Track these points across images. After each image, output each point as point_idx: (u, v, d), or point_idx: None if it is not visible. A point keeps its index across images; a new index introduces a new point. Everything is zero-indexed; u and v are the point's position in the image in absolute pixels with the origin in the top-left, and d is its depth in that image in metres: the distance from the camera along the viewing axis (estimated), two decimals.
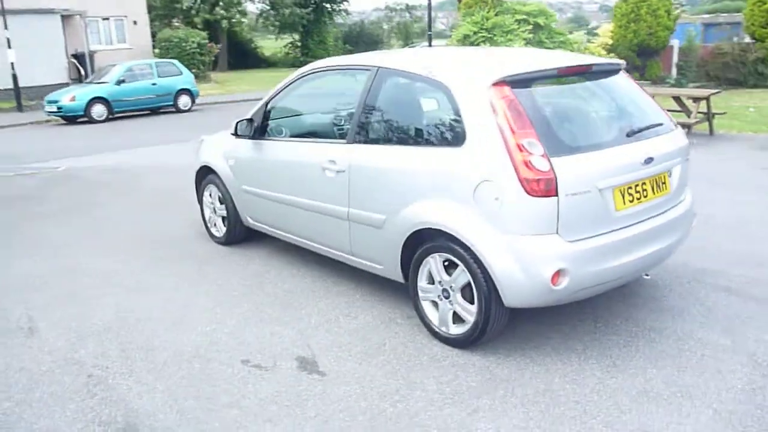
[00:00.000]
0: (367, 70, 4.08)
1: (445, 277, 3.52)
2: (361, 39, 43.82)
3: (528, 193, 3.12)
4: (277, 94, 4.78)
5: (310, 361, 3.51)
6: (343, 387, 3.23)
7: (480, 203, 3.27)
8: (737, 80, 17.52)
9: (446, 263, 3.52)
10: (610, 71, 3.86)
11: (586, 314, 3.88)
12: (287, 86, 4.71)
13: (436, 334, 3.67)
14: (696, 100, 9.86)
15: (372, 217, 3.87)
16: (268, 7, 36.71)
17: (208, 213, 5.70)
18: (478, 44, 14.33)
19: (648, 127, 3.64)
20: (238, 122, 4.83)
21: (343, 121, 4.49)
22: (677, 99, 10.09)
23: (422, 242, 3.63)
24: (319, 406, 3.08)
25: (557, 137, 3.28)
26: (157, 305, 4.34)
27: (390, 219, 3.75)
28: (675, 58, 17.49)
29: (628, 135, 3.53)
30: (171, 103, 17.62)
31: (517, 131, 3.20)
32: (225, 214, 5.41)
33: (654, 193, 3.55)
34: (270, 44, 41.82)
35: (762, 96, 15.28)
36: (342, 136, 4.17)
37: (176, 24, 30.09)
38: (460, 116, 3.40)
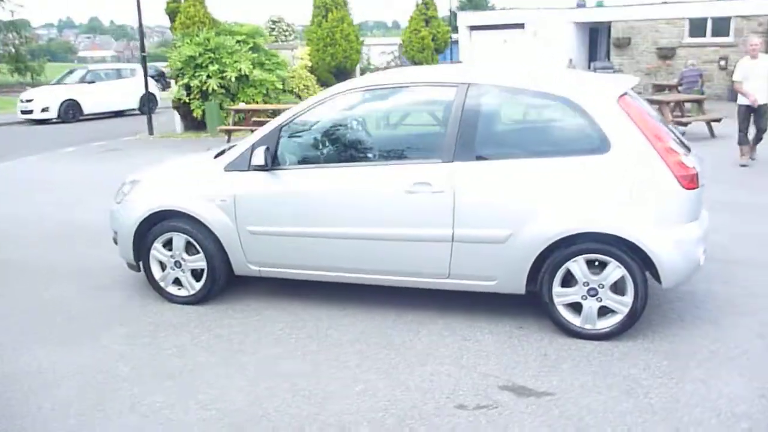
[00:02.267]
0: (451, 86, 3.98)
1: (593, 276, 3.76)
2: None
3: (684, 188, 3.62)
4: (297, 117, 4.21)
5: (516, 387, 3.35)
6: (592, 396, 3.23)
7: (637, 202, 3.63)
8: None
9: (596, 263, 3.76)
10: None
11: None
12: (310, 109, 4.20)
13: (577, 334, 3.85)
14: None
15: (493, 234, 3.83)
16: None
17: (158, 271, 4.57)
18: (205, 66, 13.74)
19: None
20: (260, 151, 4.07)
21: (419, 140, 4.23)
22: None
23: (554, 249, 3.78)
24: (609, 419, 3.04)
25: (675, 140, 3.86)
26: (241, 384, 3.45)
27: (518, 232, 3.79)
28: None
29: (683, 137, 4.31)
30: None
31: (660, 136, 3.68)
32: (201, 266, 4.45)
33: None
34: None
35: None
36: (427, 155, 3.98)
37: None
38: (598, 126, 3.69)
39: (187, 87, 13.91)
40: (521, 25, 23.22)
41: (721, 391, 3.26)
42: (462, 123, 3.88)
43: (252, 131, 13.33)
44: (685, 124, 11.93)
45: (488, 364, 3.61)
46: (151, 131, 14.89)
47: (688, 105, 13.21)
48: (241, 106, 13.05)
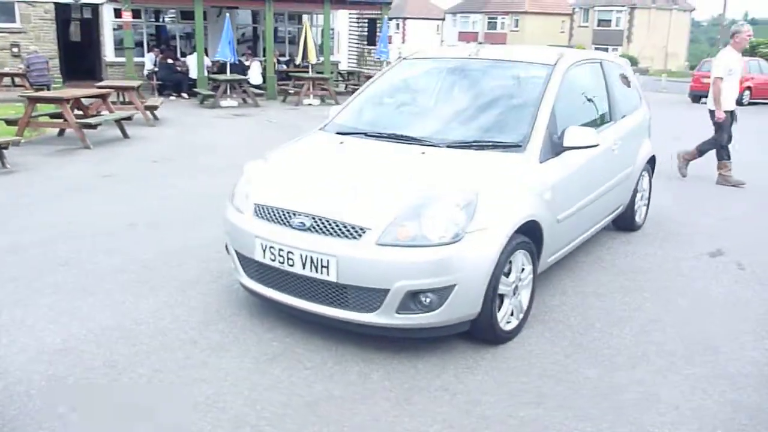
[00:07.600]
0: (596, 62, 4.99)
1: (644, 186, 5.78)
2: None
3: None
4: (558, 93, 4.17)
5: (717, 252, 5.21)
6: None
7: (648, 133, 5.87)
8: None
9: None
10: None
11: None
12: (561, 83, 4.22)
13: (636, 227, 5.78)
14: None
15: (627, 171, 5.25)
16: None
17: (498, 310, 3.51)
18: None
19: None
20: (583, 131, 3.95)
21: (596, 107, 4.74)
22: None
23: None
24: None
25: None
26: None
27: (634, 166, 5.39)
28: None
29: None
30: None
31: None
32: (526, 282, 3.75)
33: None
34: None
35: None
36: (606, 118, 4.86)
37: None
38: (637, 90, 5.69)
39: None
40: None
41: None
42: (613, 90, 5.06)
43: None
44: (95, 126, 9.67)
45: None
46: None
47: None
48: None
